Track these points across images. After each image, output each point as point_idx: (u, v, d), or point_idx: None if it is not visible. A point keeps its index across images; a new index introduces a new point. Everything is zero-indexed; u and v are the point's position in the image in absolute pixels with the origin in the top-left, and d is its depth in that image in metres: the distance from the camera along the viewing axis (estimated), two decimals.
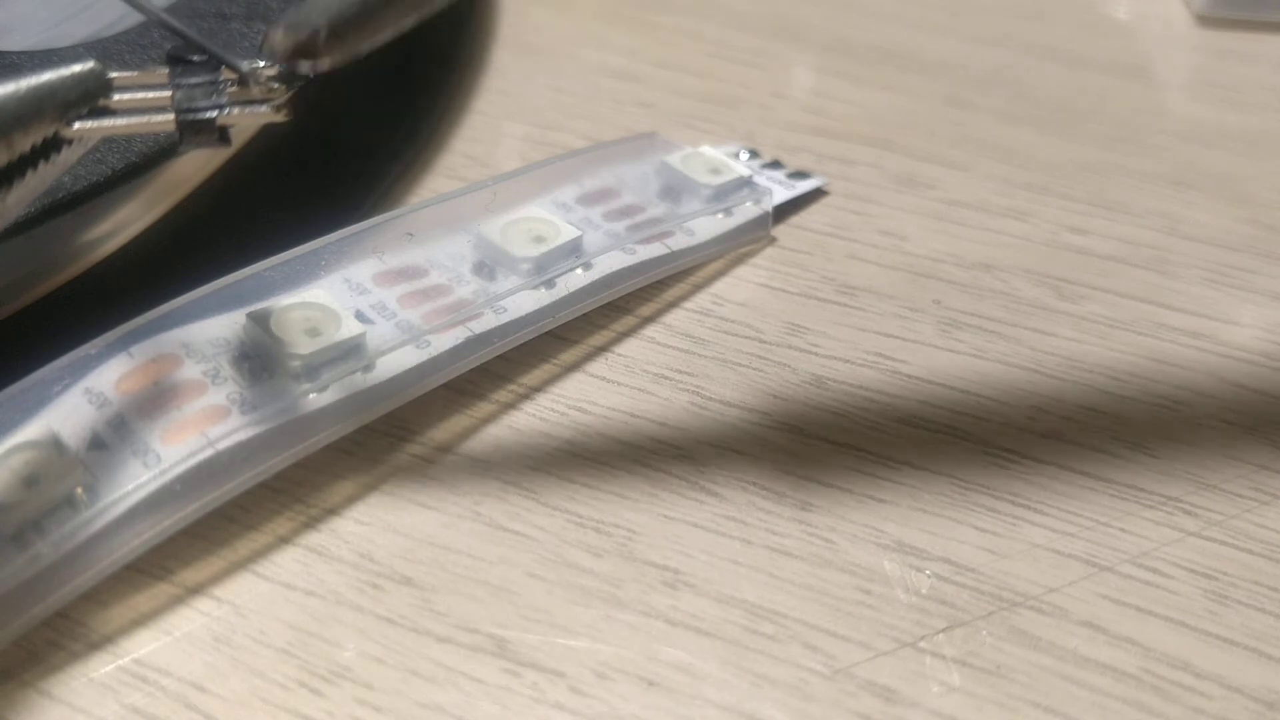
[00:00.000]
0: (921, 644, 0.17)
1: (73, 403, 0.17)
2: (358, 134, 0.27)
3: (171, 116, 0.18)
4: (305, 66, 0.17)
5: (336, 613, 0.17)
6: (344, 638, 0.17)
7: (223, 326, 0.19)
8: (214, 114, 0.18)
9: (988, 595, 0.18)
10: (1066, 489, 0.19)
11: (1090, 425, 0.20)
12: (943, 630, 0.17)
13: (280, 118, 0.18)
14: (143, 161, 0.21)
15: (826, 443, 0.20)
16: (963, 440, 0.20)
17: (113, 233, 0.22)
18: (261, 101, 0.18)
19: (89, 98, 0.17)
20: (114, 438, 0.17)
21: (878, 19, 0.32)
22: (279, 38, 0.17)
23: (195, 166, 0.23)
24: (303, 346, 0.18)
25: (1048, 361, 0.22)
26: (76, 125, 0.17)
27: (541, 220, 0.22)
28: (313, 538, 0.18)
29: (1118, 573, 0.18)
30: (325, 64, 0.17)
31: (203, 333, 0.19)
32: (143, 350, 0.18)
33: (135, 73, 0.17)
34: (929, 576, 0.18)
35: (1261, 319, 0.23)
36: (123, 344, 0.18)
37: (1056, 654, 0.17)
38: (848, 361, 0.21)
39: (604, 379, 0.21)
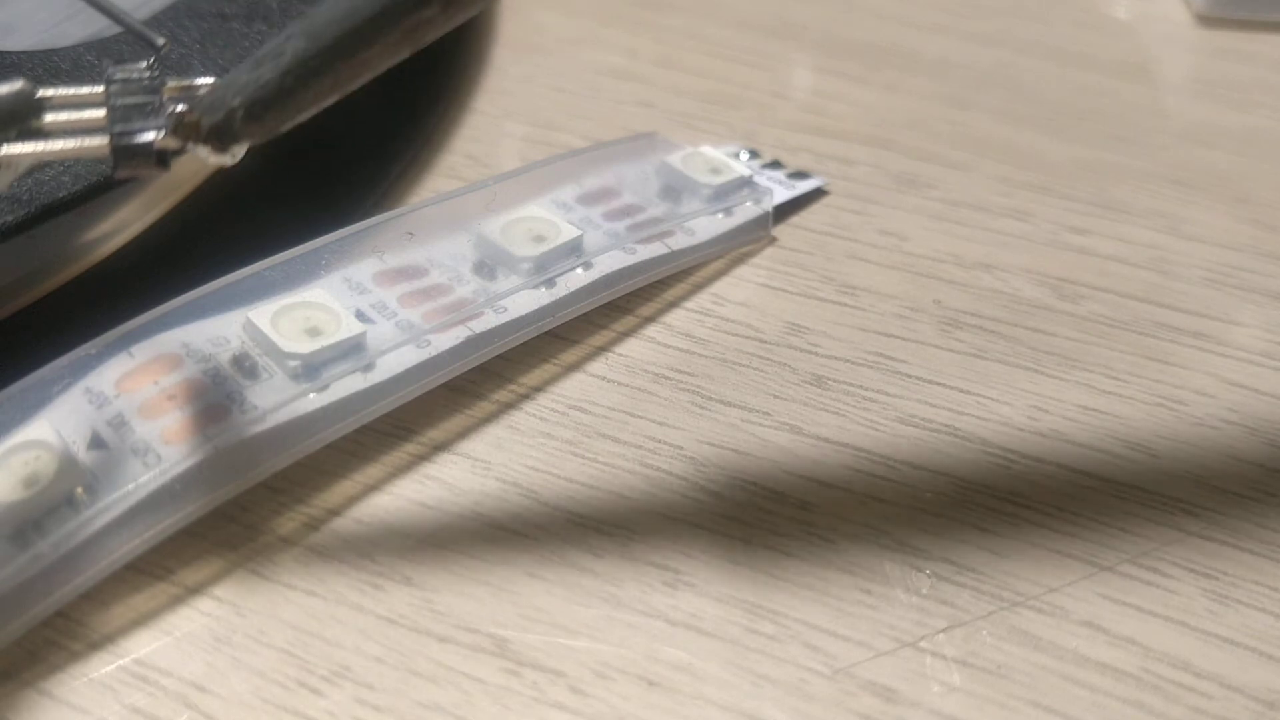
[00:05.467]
0: (922, 644, 0.17)
1: (73, 403, 0.17)
2: (358, 134, 0.27)
3: (106, 140, 0.16)
4: (224, 156, 0.16)
5: (336, 613, 0.17)
6: (344, 638, 0.17)
7: (223, 326, 0.19)
8: (151, 136, 0.16)
9: (988, 595, 0.18)
10: (1066, 489, 0.19)
11: (1090, 425, 0.20)
12: (943, 630, 0.17)
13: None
14: None
15: (826, 443, 0.20)
16: (963, 440, 0.20)
17: (113, 233, 0.22)
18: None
19: (17, 119, 0.16)
20: (114, 438, 0.17)
21: (878, 19, 0.32)
22: (193, 119, 0.16)
23: (195, 166, 0.23)
24: (303, 346, 0.18)
25: (1048, 361, 0.22)
26: (3, 150, 0.16)
27: (542, 220, 0.22)
28: (313, 538, 0.18)
29: (1118, 573, 0.18)
30: (243, 148, 0.16)
31: (203, 333, 0.19)
32: (143, 350, 0.18)
33: (69, 91, 0.16)
34: (929, 576, 0.18)
35: (1261, 319, 0.23)
36: (123, 344, 0.18)
37: (1056, 654, 0.17)
38: (848, 361, 0.21)
39: (604, 379, 0.21)
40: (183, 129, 0.16)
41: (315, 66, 0.15)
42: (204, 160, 0.16)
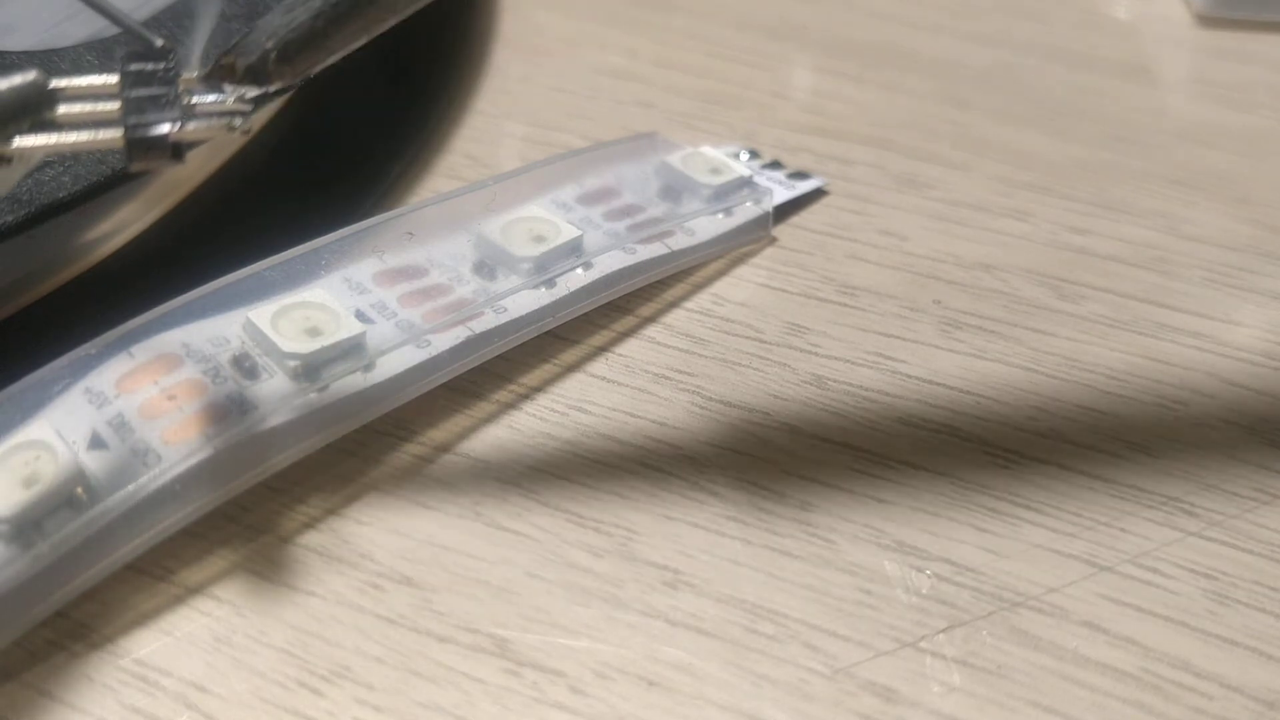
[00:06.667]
0: (922, 644, 0.17)
1: (73, 403, 0.17)
2: (358, 134, 0.27)
3: (119, 132, 0.16)
4: (255, 90, 0.16)
5: (336, 613, 0.17)
6: (344, 638, 0.17)
7: (223, 326, 0.19)
8: (166, 128, 0.16)
9: (988, 595, 0.18)
10: (1066, 489, 0.19)
11: (1090, 425, 0.20)
12: (943, 630, 0.17)
13: (238, 134, 0.16)
14: None
15: (826, 443, 0.20)
16: (963, 440, 0.20)
17: (113, 233, 0.22)
18: (222, 114, 0.16)
19: (30, 111, 0.15)
20: (114, 438, 0.17)
21: (877, 19, 0.32)
22: (229, 61, 0.16)
23: (195, 166, 0.23)
24: (303, 346, 0.18)
25: (1048, 361, 0.22)
26: (16, 143, 0.15)
27: (542, 220, 0.22)
28: (313, 538, 0.18)
29: (1118, 573, 0.18)
30: (275, 86, 0.16)
31: (203, 333, 0.19)
32: (143, 350, 0.18)
33: (83, 82, 0.16)
34: (929, 576, 0.18)
35: (1261, 319, 0.23)
36: (123, 344, 0.18)
37: (1056, 654, 0.17)
38: (848, 361, 0.21)
39: (604, 379, 0.21)
40: (219, 71, 0.16)
41: (345, 10, 0.16)
42: (215, 132, 0.16)
